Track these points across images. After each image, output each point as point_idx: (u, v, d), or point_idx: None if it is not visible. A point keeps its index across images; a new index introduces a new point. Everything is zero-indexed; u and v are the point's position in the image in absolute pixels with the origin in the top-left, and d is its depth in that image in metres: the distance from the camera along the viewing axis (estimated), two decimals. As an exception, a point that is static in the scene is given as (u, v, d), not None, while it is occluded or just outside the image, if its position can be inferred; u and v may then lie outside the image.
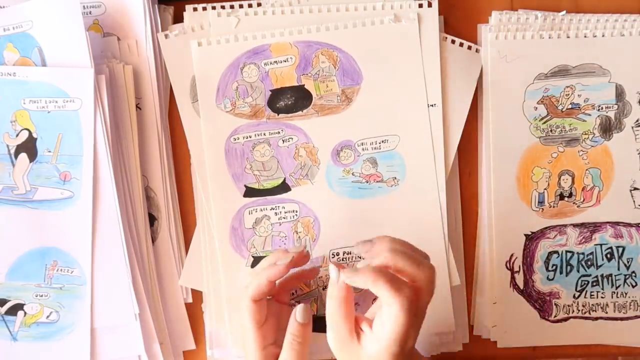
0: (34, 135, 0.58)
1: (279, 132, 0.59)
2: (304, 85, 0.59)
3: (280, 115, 0.59)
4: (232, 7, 0.61)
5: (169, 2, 0.62)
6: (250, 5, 0.61)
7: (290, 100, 0.59)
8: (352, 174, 0.59)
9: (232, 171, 0.59)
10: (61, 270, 0.59)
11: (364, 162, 0.59)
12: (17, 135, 0.59)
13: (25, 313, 0.59)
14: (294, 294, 0.59)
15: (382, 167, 0.59)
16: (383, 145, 0.59)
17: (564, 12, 0.61)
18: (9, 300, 0.59)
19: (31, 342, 0.60)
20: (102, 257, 0.59)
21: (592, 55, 0.60)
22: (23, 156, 0.59)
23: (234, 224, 0.59)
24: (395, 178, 0.59)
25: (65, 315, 0.59)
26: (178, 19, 0.62)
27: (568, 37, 0.60)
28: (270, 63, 0.59)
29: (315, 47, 0.59)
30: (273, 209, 0.59)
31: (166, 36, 0.60)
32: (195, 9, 0.61)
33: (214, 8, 0.60)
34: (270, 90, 0.59)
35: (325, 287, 0.59)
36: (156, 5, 0.61)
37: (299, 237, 0.59)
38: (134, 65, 0.60)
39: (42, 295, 0.59)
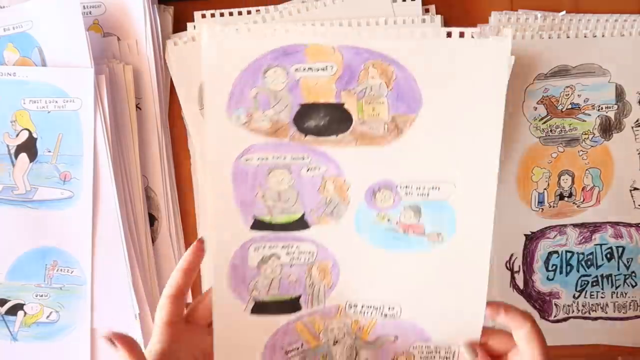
0: (34, 135, 0.59)
1: (303, 158, 0.49)
2: (343, 103, 0.47)
3: (307, 137, 0.48)
4: (249, 12, 0.60)
5: (169, 2, 0.63)
6: (257, 11, 0.60)
7: (324, 120, 0.48)
8: (388, 220, 0.49)
9: (239, 198, 0.48)
10: (61, 270, 0.59)
11: (405, 209, 0.49)
12: (17, 135, 0.59)
13: (25, 313, 0.59)
14: (299, 348, 0.52)
15: (426, 218, 0.49)
16: (433, 192, 0.48)
17: (564, 12, 0.61)
18: (9, 300, 0.59)
19: (31, 342, 0.60)
20: (102, 257, 0.59)
21: (592, 55, 0.60)
22: (23, 156, 0.59)
23: (235, 260, 0.49)
24: (440, 234, 0.49)
25: (65, 315, 0.59)
26: (178, 18, 0.62)
27: (568, 37, 0.60)
28: (304, 69, 0.47)
29: (366, 56, 0.46)
30: (285, 247, 0.50)
31: (175, 43, 0.60)
32: (203, 16, 0.60)
33: (222, 15, 0.58)
34: (300, 105, 0.47)
35: (336, 342, 0.52)
36: (156, 5, 0.61)
37: (312, 282, 0.51)
38: (134, 65, 0.60)
39: (42, 295, 0.59)
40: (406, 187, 0.49)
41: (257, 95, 0.48)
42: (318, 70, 0.47)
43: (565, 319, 0.61)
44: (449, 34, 0.45)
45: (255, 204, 0.49)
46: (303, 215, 0.49)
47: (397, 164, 0.48)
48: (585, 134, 0.61)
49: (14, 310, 0.60)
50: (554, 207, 0.61)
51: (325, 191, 0.49)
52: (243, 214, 0.49)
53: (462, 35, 0.45)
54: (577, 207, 0.61)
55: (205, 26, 0.45)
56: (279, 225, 0.50)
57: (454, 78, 0.46)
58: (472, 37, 0.45)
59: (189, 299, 0.61)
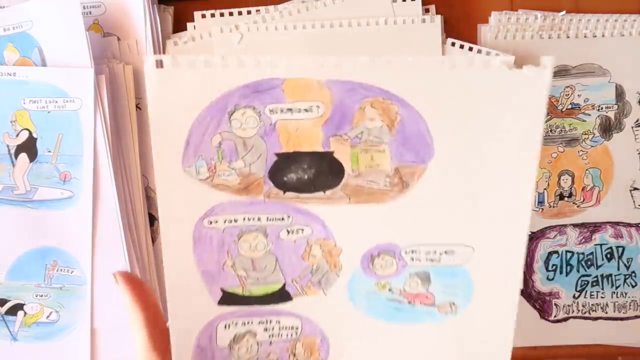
0: (34, 135, 0.59)
1: (282, 219, 0.40)
2: (333, 152, 0.39)
3: (287, 194, 0.39)
4: (249, 12, 0.60)
5: (169, 2, 0.63)
6: (257, 11, 0.60)
7: (308, 173, 0.39)
8: (390, 289, 0.42)
9: (202, 267, 0.41)
10: (61, 270, 0.59)
11: (411, 277, 0.41)
12: (17, 135, 0.59)
13: (25, 313, 0.60)
14: None
15: (436, 286, 0.41)
16: (445, 257, 0.41)
17: (563, 12, 0.61)
18: (9, 300, 0.59)
19: (31, 342, 0.60)
20: (102, 257, 0.59)
21: (592, 55, 0.60)
22: (23, 156, 0.59)
23: (200, 341, 0.42)
24: (454, 304, 0.42)
25: (65, 315, 0.59)
26: (178, 18, 0.62)
27: (568, 37, 0.60)
28: (282, 110, 0.38)
29: (362, 92, 0.37)
30: (262, 323, 0.43)
31: (175, 43, 0.60)
32: (203, 16, 0.59)
33: (222, 15, 0.57)
34: (277, 154, 0.38)
35: None
36: (156, 5, 0.61)
37: None
38: (134, 65, 0.60)
39: (42, 295, 0.59)
40: (412, 251, 0.41)
41: (221, 143, 0.38)
42: (300, 111, 0.38)
43: (565, 319, 0.61)
44: (469, 62, 0.35)
45: (223, 274, 0.41)
46: (284, 285, 0.42)
47: (401, 224, 0.40)
48: (585, 134, 0.61)
49: (14, 310, 0.60)
50: (554, 207, 0.61)
51: (311, 257, 0.41)
52: (208, 287, 0.41)
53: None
54: (577, 207, 0.61)
55: (150, 57, 0.36)
56: (254, 298, 0.42)
57: (475, 120, 0.37)
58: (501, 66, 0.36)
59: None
